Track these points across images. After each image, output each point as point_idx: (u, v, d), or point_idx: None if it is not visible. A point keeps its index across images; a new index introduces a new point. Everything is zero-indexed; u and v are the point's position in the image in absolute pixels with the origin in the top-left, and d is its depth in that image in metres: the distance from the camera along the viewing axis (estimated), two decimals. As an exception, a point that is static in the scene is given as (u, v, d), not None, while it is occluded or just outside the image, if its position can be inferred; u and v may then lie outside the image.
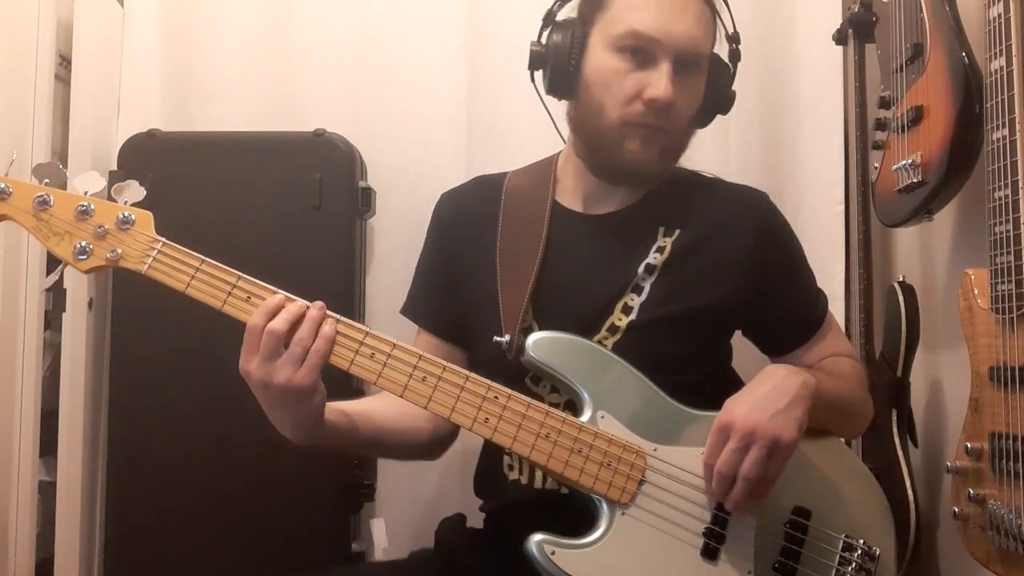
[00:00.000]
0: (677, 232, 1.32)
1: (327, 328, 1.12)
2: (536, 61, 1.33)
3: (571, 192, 1.37)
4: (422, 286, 1.44)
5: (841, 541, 1.20)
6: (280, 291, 1.14)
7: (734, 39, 1.36)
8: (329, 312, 1.14)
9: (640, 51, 1.24)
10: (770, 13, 1.96)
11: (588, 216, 1.35)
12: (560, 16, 1.34)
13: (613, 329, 1.28)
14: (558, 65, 1.29)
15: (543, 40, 1.32)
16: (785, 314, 1.37)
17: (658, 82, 1.22)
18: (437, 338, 1.39)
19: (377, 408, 1.30)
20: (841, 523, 1.21)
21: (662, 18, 1.23)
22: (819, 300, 1.40)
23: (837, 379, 1.30)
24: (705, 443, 1.17)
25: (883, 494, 1.28)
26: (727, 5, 1.35)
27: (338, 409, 1.22)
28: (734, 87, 1.37)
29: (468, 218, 1.40)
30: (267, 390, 1.11)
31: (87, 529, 1.86)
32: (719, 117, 1.86)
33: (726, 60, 1.36)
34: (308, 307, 1.13)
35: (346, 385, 1.74)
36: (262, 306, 1.11)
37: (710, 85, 1.32)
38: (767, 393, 1.15)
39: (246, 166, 1.83)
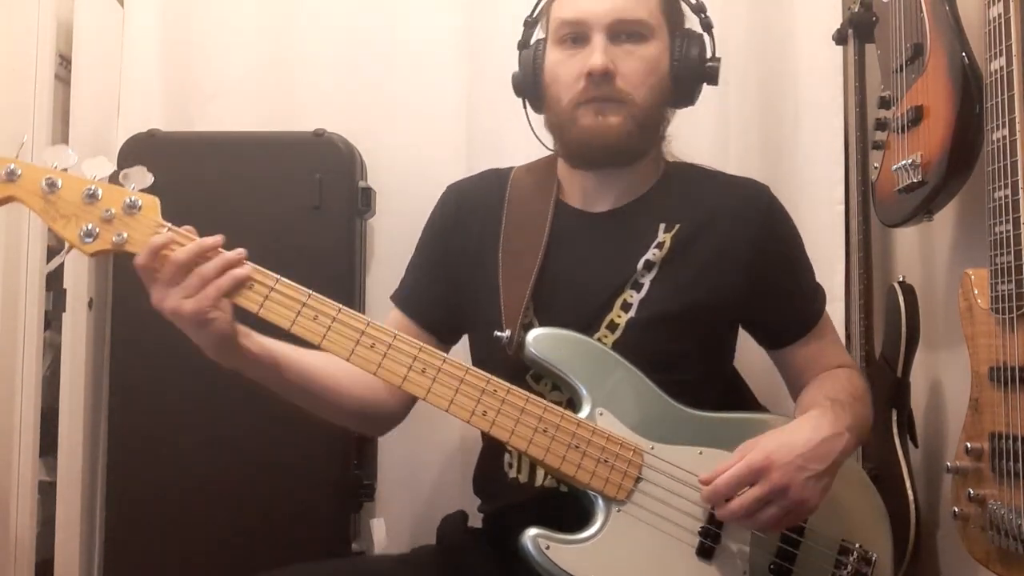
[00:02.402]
0: (677, 227, 1.31)
1: (240, 270, 1.13)
2: (517, 89, 1.38)
3: (572, 190, 1.37)
4: (417, 275, 1.44)
5: (837, 545, 1.21)
6: (296, 285, 1.16)
7: (699, 8, 1.37)
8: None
9: (576, 37, 1.29)
10: (770, 13, 1.96)
11: (590, 213, 1.36)
12: (534, 39, 1.38)
13: (612, 326, 1.28)
14: (527, 86, 1.35)
15: (519, 66, 1.37)
16: (784, 308, 1.37)
17: (591, 54, 1.26)
18: (420, 328, 1.38)
19: (312, 359, 1.27)
20: (837, 527, 1.22)
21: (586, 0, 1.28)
22: (817, 295, 1.40)
23: (859, 407, 1.29)
24: (703, 443, 1.18)
25: (880, 499, 1.28)
26: None
27: (264, 345, 1.21)
28: (720, 57, 1.36)
29: (472, 211, 1.40)
30: (162, 312, 1.14)
31: (87, 529, 1.86)
32: (718, 118, 1.87)
33: (700, 32, 1.36)
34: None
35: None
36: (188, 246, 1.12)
37: (677, 53, 1.31)
38: (810, 451, 1.14)
39: (246, 166, 1.83)
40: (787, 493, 1.11)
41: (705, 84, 1.36)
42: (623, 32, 1.27)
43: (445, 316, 1.38)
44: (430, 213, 1.46)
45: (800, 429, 1.17)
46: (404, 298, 1.43)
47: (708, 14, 1.37)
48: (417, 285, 1.43)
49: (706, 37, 1.35)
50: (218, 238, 1.14)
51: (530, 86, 1.35)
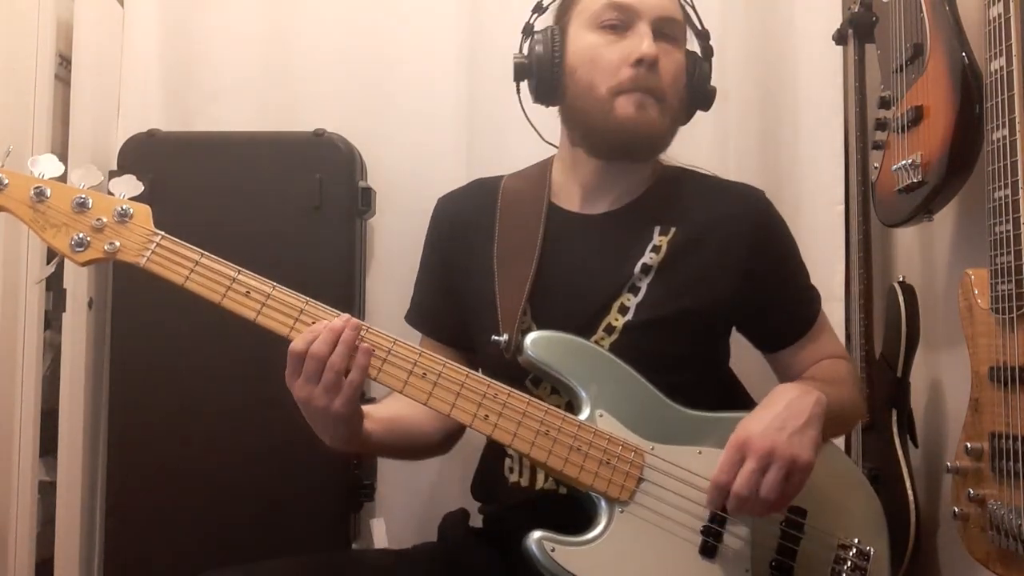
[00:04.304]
0: (673, 231, 1.31)
1: (361, 358, 1.11)
2: (520, 72, 1.35)
3: (567, 193, 1.37)
4: (423, 292, 1.45)
5: (836, 540, 1.21)
6: (294, 292, 1.14)
7: (704, 35, 1.37)
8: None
9: (620, 23, 1.27)
10: (770, 13, 1.96)
11: (584, 216, 1.35)
12: (538, 26, 1.36)
13: (610, 329, 1.28)
14: (542, 70, 1.31)
15: (524, 51, 1.35)
16: (779, 312, 1.37)
17: (641, 41, 1.24)
18: (440, 343, 1.40)
19: (405, 413, 1.29)
20: (836, 523, 1.22)
21: None
22: (813, 298, 1.40)
23: (839, 387, 1.30)
24: (701, 443, 1.18)
25: (876, 496, 1.29)
26: (693, 7, 1.36)
27: (372, 417, 1.22)
28: (715, 84, 1.37)
29: (465, 222, 1.40)
30: (307, 408, 1.13)
31: (87, 529, 1.86)
32: (718, 118, 1.86)
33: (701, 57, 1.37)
34: (344, 327, 1.11)
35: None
36: (306, 332, 1.11)
37: (691, 68, 1.32)
38: (782, 412, 1.15)
39: (246, 166, 1.83)
40: (775, 453, 1.10)
41: (699, 108, 1.36)
42: (665, 30, 1.27)
43: (461, 328, 1.38)
44: (427, 227, 1.46)
45: (767, 403, 1.18)
46: (415, 318, 1.44)
47: (711, 41, 1.37)
48: (424, 302, 1.44)
49: (706, 64, 1.36)
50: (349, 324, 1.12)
51: (545, 73, 1.30)
